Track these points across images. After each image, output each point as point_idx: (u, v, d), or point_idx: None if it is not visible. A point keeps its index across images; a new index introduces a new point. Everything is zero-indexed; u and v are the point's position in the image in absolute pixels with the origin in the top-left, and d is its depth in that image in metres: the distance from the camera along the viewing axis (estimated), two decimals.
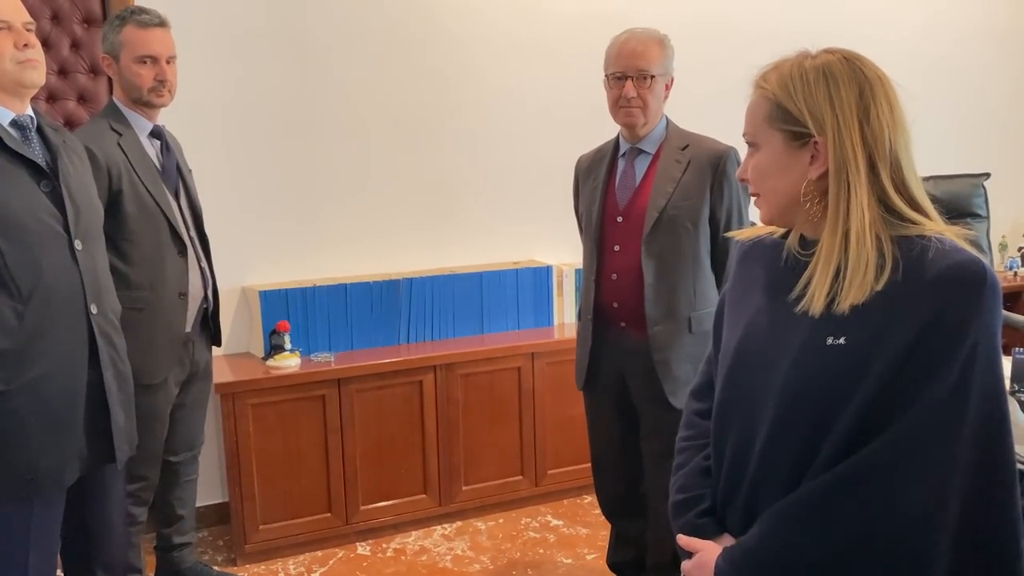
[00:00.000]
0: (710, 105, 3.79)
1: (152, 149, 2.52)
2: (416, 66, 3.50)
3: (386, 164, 3.51)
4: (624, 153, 2.43)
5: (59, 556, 1.94)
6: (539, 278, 3.59)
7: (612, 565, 2.72)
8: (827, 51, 1.21)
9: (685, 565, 1.31)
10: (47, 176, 1.82)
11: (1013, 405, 1.35)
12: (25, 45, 1.80)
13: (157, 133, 2.54)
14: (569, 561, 3.06)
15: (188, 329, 2.56)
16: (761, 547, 1.19)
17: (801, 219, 1.24)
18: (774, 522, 1.18)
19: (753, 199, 1.29)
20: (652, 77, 2.30)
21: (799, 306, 1.20)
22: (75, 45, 3.05)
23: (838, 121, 1.17)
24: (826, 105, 1.17)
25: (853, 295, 1.14)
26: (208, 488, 3.25)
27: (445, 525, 3.32)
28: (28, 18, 1.83)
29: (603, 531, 2.88)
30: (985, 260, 1.14)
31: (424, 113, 3.54)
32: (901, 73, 1.27)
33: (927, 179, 1.22)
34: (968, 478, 1.11)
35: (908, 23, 4.35)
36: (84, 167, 1.99)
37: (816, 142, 1.18)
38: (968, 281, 1.11)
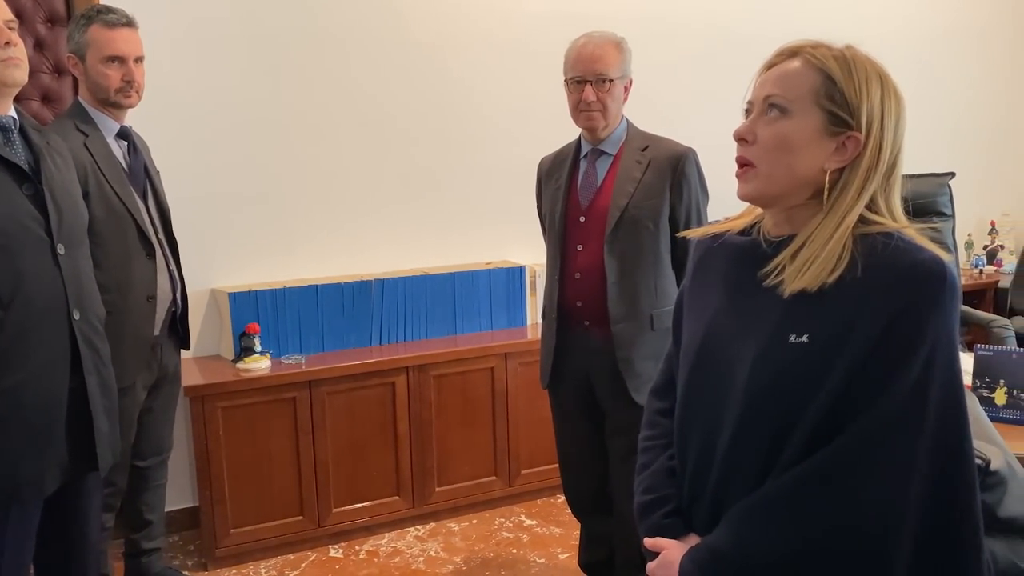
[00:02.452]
0: (676, 107, 3.83)
1: (119, 150, 2.49)
2: (386, 66, 3.49)
3: (357, 164, 3.50)
4: (586, 154, 2.45)
5: (32, 564, 1.91)
6: (512, 278, 3.60)
7: (584, 566, 2.72)
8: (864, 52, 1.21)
9: (650, 566, 1.30)
10: (29, 179, 1.79)
11: (973, 400, 1.37)
12: (7, 43, 1.77)
13: (124, 134, 2.51)
14: (542, 561, 3.06)
15: (156, 333, 2.54)
16: (726, 545, 1.19)
17: (784, 205, 1.22)
18: (739, 520, 1.19)
19: (741, 169, 1.23)
20: (610, 81, 2.32)
21: (766, 281, 1.19)
22: (39, 45, 3.01)
23: (882, 125, 1.18)
24: (877, 105, 1.17)
25: (806, 281, 1.15)
26: (178, 492, 3.22)
27: (418, 526, 3.32)
28: (10, 16, 1.80)
29: (576, 530, 2.89)
30: (948, 258, 1.15)
31: (395, 113, 3.53)
32: None
33: None
34: (929, 473, 1.12)
35: (873, 23, 4.40)
36: (68, 169, 1.95)
37: (850, 136, 1.18)
38: (928, 280, 1.12)
